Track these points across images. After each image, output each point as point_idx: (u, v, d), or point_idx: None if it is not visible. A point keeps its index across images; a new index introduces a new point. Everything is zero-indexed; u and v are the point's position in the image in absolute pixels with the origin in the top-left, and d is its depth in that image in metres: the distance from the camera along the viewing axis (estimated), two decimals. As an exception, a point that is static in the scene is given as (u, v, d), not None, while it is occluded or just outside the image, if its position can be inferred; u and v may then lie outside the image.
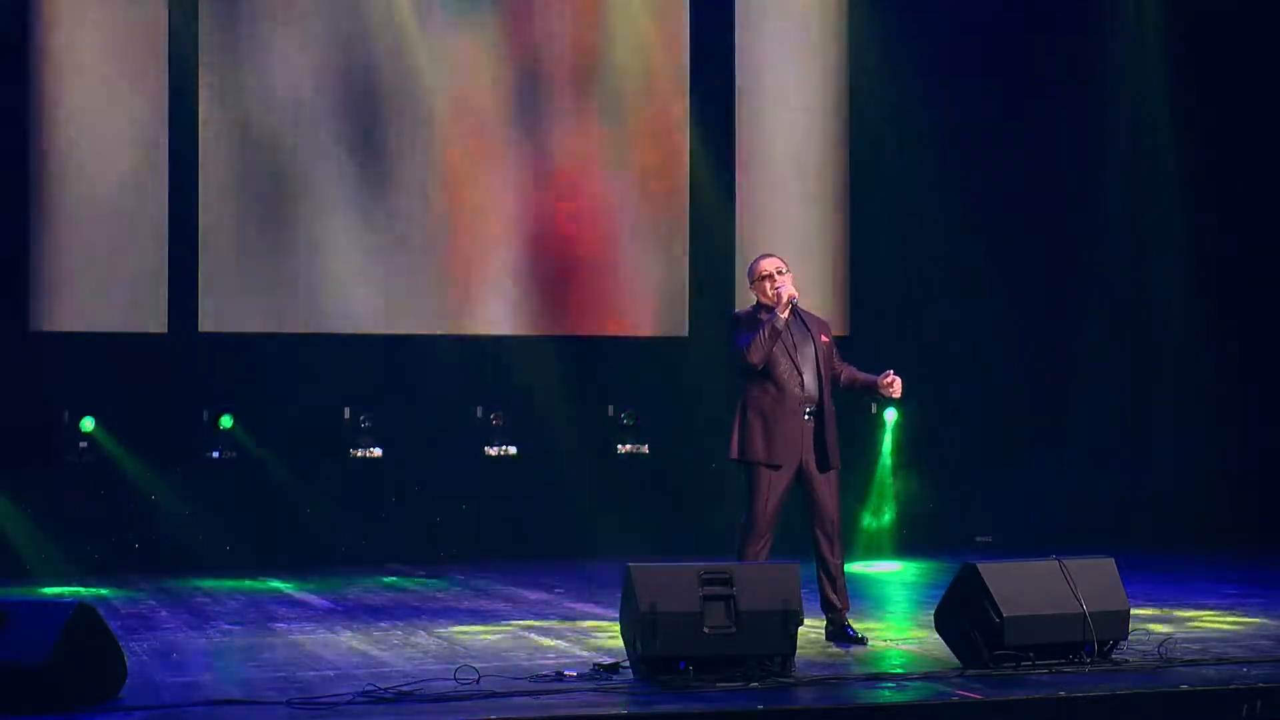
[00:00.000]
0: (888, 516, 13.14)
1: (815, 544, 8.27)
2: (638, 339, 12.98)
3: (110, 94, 11.88)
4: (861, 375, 8.42)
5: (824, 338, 8.31)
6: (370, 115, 12.37)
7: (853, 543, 12.80)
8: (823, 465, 8.25)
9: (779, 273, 8.24)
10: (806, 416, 8.20)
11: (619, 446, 12.96)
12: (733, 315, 8.58)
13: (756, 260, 8.45)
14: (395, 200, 12.41)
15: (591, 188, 12.87)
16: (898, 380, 8.27)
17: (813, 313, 8.53)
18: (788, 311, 8.13)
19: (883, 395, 8.39)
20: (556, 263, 12.77)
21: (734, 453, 8.31)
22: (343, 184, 12.23)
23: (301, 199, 12.27)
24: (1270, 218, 13.48)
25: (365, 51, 12.35)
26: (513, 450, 12.70)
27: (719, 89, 13.19)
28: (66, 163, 11.81)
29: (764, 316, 8.19)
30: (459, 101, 12.57)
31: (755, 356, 8.13)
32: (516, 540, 12.55)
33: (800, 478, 8.26)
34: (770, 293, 8.19)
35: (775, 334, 8.11)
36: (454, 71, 12.56)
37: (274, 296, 12.19)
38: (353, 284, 12.32)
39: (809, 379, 8.21)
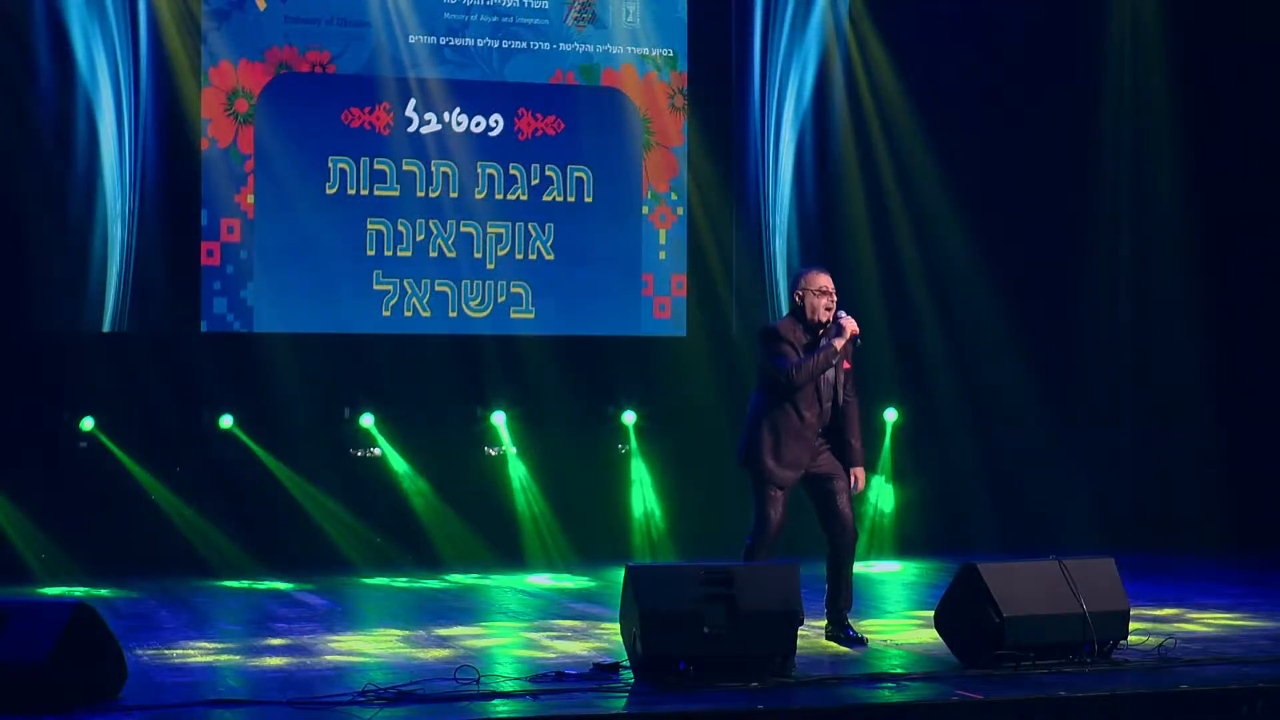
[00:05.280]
0: (887, 516, 13.13)
1: (833, 550, 8.26)
2: (638, 339, 12.97)
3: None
4: (853, 440, 8.29)
5: (846, 364, 8.25)
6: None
7: (853, 543, 12.80)
8: (841, 474, 8.23)
9: (830, 295, 8.16)
10: (819, 438, 8.18)
11: (620, 446, 12.97)
12: (769, 328, 8.35)
13: (810, 271, 8.29)
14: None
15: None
16: (861, 482, 8.32)
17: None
18: (846, 335, 8.08)
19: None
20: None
21: (743, 460, 8.28)
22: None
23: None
24: (1268, 217, 13.48)
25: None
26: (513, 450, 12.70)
27: (717, 92, 13.18)
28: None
29: (823, 343, 8.09)
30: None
31: (800, 380, 8.05)
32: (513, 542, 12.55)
33: (815, 490, 8.25)
34: (823, 312, 8.11)
35: (828, 365, 8.06)
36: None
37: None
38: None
39: (827, 403, 8.19)
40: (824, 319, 8.15)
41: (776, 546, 8.19)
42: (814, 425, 8.16)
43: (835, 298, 8.21)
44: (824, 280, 8.19)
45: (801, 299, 8.18)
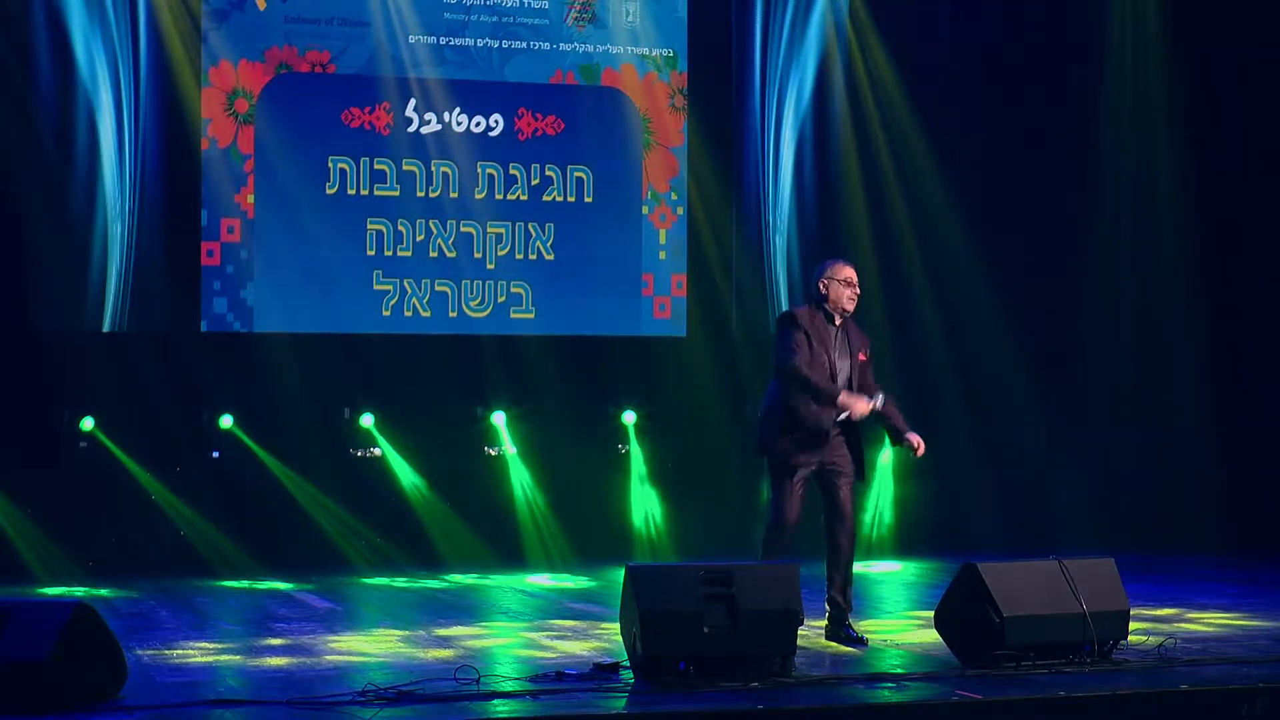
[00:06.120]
0: (888, 517, 13.13)
1: (832, 545, 8.28)
2: (638, 339, 12.97)
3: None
4: (892, 412, 8.34)
5: (862, 355, 8.32)
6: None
7: (853, 543, 12.80)
8: (851, 473, 8.29)
9: (854, 288, 8.28)
10: (835, 427, 8.21)
11: (620, 447, 12.97)
12: (788, 313, 8.44)
13: (838, 262, 8.40)
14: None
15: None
16: (922, 444, 8.33)
17: (859, 327, 8.48)
18: (848, 410, 8.12)
19: (902, 444, 8.37)
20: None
21: (760, 448, 8.33)
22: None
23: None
24: (1268, 217, 13.47)
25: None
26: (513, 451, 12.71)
27: (717, 92, 13.19)
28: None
29: (841, 390, 8.13)
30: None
31: (794, 376, 8.10)
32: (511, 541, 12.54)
33: (823, 482, 8.28)
34: (847, 302, 8.25)
35: (821, 401, 8.10)
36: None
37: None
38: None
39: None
40: (847, 309, 8.28)
41: (792, 542, 8.22)
42: (832, 416, 8.19)
43: (859, 290, 8.33)
44: (850, 272, 8.34)
45: (826, 288, 8.28)
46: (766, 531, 8.20)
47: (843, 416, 8.16)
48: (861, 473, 8.38)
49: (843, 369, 8.24)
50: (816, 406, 8.16)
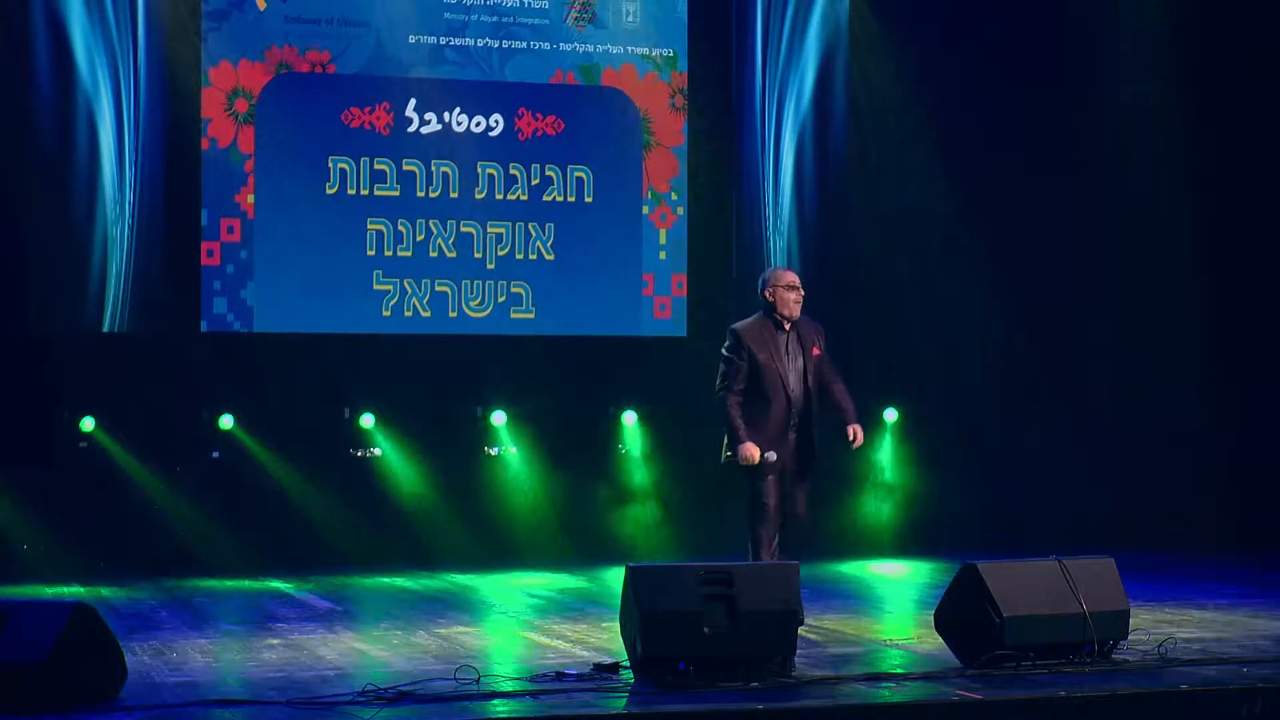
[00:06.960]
0: (887, 516, 13.13)
1: (781, 541, 8.62)
2: (638, 339, 12.97)
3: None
4: (844, 405, 8.74)
5: (815, 350, 8.62)
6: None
7: (853, 543, 12.80)
8: (803, 472, 8.65)
9: (798, 290, 8.60)
10: (791, 428, 8.42)
11: (619, 447, 12.98)
12: (733, 332, 8.73)
13: (778, 269, 8.91)
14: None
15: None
16: (859, 437, 8.77)
17: (812, 321, 8.66)
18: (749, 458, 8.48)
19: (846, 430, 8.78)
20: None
21: (728, 457, 8.66)
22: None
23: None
24: (1269, 216, 13.47)
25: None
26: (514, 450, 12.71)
27: (717, 92, 13.19)
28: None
29: (740, 441, 8.48)
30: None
31: (720, 399, 8.58)
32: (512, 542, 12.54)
33: (780, 483, 8.58)
34: (793, 306, 8.57)
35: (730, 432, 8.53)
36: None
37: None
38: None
39: (796, 393, 8.62)
40: (793, 313, 8.60)
41: (778, 525, 8.54)
42: (784, 417, 8.55)
43: (802, 292, 8.65)
44: (791, 277, 8.72)
45: (772, 295, 8.63)
46: (751, 521, 8.46)
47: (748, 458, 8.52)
48: (811, 468, 8.69)
49: (795, 370, 8.56)
50: (772, 412, 8.48)
